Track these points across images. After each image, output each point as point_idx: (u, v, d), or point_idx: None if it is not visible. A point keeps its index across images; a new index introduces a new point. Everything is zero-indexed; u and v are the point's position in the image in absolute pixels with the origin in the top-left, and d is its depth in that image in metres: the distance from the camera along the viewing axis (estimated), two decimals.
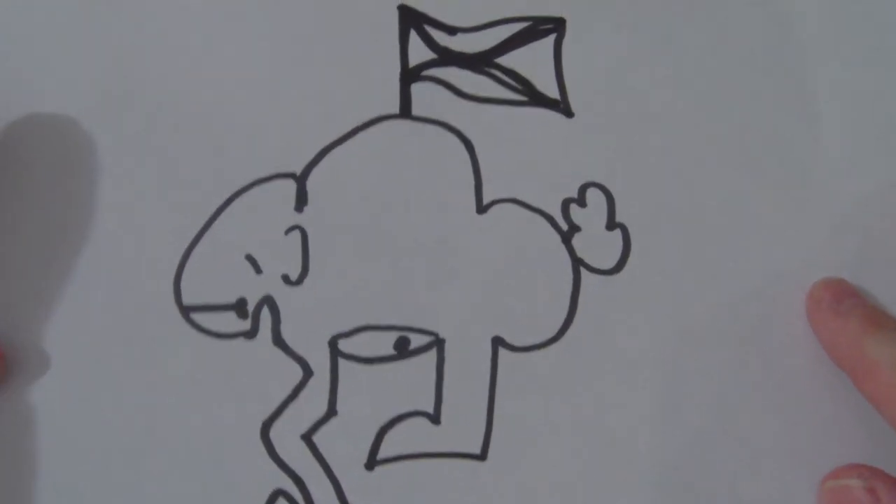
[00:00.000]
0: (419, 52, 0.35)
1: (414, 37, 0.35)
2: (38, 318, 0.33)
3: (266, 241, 0.33)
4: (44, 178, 0.33)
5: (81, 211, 0.33)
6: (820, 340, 0.33)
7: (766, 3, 0.36)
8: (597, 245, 0.34)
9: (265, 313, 0.33)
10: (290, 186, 0.34)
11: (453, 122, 0.35)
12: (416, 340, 0.33)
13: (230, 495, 0.32)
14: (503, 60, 0.35)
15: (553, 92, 0.35)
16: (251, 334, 0.33)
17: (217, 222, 0.34)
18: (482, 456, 0.32)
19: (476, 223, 0.34)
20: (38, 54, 0.35)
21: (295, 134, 0.34)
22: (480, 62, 0.35)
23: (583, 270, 0.34)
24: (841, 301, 0.32)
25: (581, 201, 0.34)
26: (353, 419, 0.32)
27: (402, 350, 0.33)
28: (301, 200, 0.34)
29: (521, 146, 0.35)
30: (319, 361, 0.33)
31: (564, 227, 0.34)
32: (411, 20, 0.35)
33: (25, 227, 0.33)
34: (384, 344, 0.33)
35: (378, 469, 0.32)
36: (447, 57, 0.35)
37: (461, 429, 0.32)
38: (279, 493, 0.32)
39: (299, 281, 0.33)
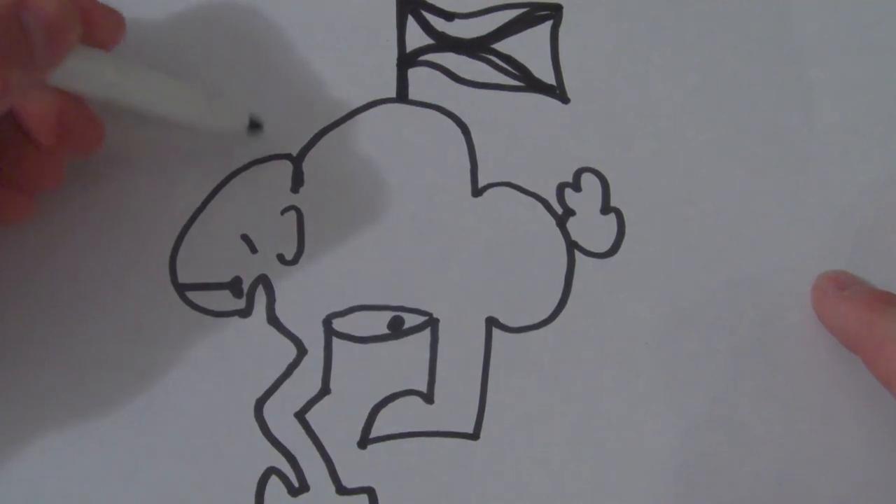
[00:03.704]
0: (416, 38, 0.36)
1: (411, 22, 0.36)
2: (34, 296, 0.33)
3: (262, 220, 0.34)
4: None
5: (78, 189, 0.33)
6: (829, 327, 0.33)
7: None
8: (591, 229, 0.34)
9: (260, 292, 0.33)
10: (287, 167, 0.34)
11: (450, 107, 0.35)
12: (411, 320, 0.33)
13: (224, 473, 0.32)
14: (500, 46, 0.36)
15: (549, 78, 0.36)
16: (246, 313, 0.33)
17: (213, 202, 0.34)
18: (475, 435, 0.32)
19: (471, 206, 0.34)
20: None
21: (292, 116, 0.35)
22: (477, 48, 0.36)
23: (577, 253, 0.34)
24: (846, 287, 0.32)
25: (576, 185, 0.35)
26: (346, 398, 0.32)
27: (396, 329, 0.33)
28: (297, 181, 0.34)
29: (516, 131, 0.35)
30: (313, 340, 0.33)
31: (559, 210, 0.34)
32: (409, 5, 0.36)
33: None
34: (378, 323, 0.33)
35: (371, 447, 0.32)
36: (444, 42, 0.36)
37: (454, 408, 0.32)
38: (272, 470, 0.32)
39: (294, 260, 0.33)
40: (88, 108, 0.31)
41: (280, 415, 0.32)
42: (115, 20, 0.31)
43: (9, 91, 0.27)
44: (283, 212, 0.34)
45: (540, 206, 0.34)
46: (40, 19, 0.26)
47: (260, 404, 0.32)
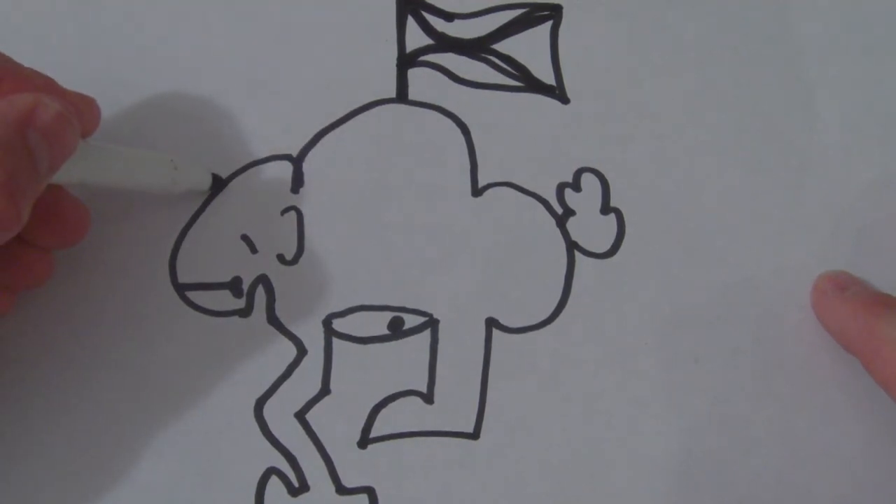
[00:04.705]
0: (416, 38, 0.36)
1: (411, 22, 0.36)
2: (34, 295, 0.33)
3: (262, 221, 0.34)
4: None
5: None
6: (828, 328, 0.33)
7: None
8: (591, 229, 0.34)
9: (260, 292, 0.33)
10: (287, 168, 0.34)
11: (450, 107, 0.35)
12: (411, 321, 0.33)
13: (224, 473, 0.32)
14: (500, 46, 0.36)
15: (549, 78, 0.36)
16: (245, 312, 0.33)
17: (214, 202, 0.34)
18: (475, 435, 0.32)
19: (471, 206, 0.34)
20: (45, 42, 0.35)
21: (292, 116, 0.35)
22: (477, 48, 0.36)
23: (577, 254, 0.34)
24: (845, 288, 0.32)
25: (576, 186, 0.35)
26: (346, 398, 0.32)
27: (396, 330, 0.33)
28: (297, 182, 0.34)
29: (516, 131, 0.35)
30: (313, 340, 0.33)
31: (559, 210, 0.34)
32: (409, 6, 0.36)
33: None
34: (378, 324, 0.33)
35: (371, 447, 0.32)
36: (444, 42, 0.36)
37: (454, 408, 0.32)
38: (272, 470, 0.32)
39: (294, 260, 0.33)
40: (71, 194, 0.31)
41: (280, 415, 0.32)
42: (94, 108, 0.31)
43: (22, 219, 0.26)
44: (283, 212, 0.34)
45: (540, 206, 0.34)
46: (42, 131, 0.26)
47: (260, 404, 0.32)
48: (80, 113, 0.29)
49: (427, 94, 0.35)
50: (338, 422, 0.32)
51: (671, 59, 0.36)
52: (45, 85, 0.29)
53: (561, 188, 0.35)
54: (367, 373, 0.33)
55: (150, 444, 0.32)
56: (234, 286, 0.33)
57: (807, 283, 0.34)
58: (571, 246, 0.34)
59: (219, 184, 0.34)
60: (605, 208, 0.34)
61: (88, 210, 0.31)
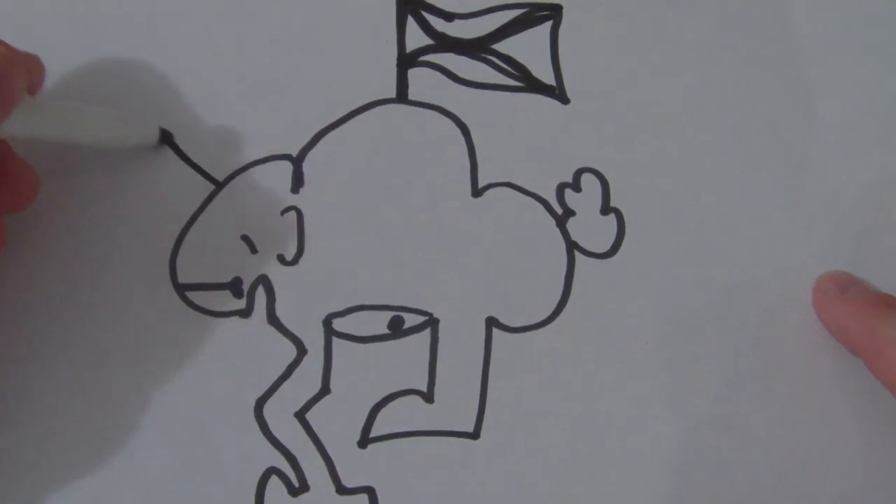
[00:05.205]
0: (416, 38, 0.36)
1: (411, 22, 0.36)
2: (35, 296, 0.33)
3: (262, 221, 0.34)
4: (42, 158, 0.34)
5: (79, 188, 0.33)
6: (829, 329, 0.33)
7: None
8: (591, 229, 0.34)
9: (260, 292, 0.33)
10: (287, 168, 0.34)
11: (450, 107, 0.35)
12: (411, 320, 0.33)
13: (223, 473, 0.32)
14: (500, 46, 0.36)
15: (549, 78, 0.36)
16: (246, 313, 0.33)
17: (213, 202, 0.34)
18: (475, 435, 0.32)
19: (471, 206, 0.34)
20: (44, 42, 0.35)
21: (292, 117, 0.35)
22: (477, 48, 0.36)
23: (577, 254, 0.34)
24: (847, 289, 0.32)
25: (576, 186, 0.35)
26: (346, 397, 0.32)
27: (396, 329, 0.33)
28: (297, 182, 0.34)
29: (516, 131, 0.35)
30: (313, 340, 0.33)
31: (559, 211, 0.34)
32: (409, 6, 0.36)
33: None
34: (378, 323, 0.33)
35: (371, 447, 0.32)
36: (444, 42, 0.36)
37: (454, 408, 0.32)
38: (272, 470, 0.32)
39: (294, 261, 0.33)
40: (19, 156, 0.31)
41: (280, 415, 0.32)
42: (39, 65, 0.31)
43: None
44: (283, 212, 0.34)
45: (540, 206, 0.34)
46: None
47: (260, 404, 0.32)
48: (27, 66, 0.29)
49: (427, 94, 0.35)
50: (338, 421, 0.32)
51: (671, 59, 0.36)
52: None
53: (561, 188, 0.35)
54: (367, 372, 0.33)
55: (151, 443, 0.32)
56: (235, 286, 0.33)
57: (807, 283, 0.34)
58: (571, 246, 0.34)
59: (167, 138, 0.34)
60: (605, 208, 0.34)
61: (37, 173, 0.31)
